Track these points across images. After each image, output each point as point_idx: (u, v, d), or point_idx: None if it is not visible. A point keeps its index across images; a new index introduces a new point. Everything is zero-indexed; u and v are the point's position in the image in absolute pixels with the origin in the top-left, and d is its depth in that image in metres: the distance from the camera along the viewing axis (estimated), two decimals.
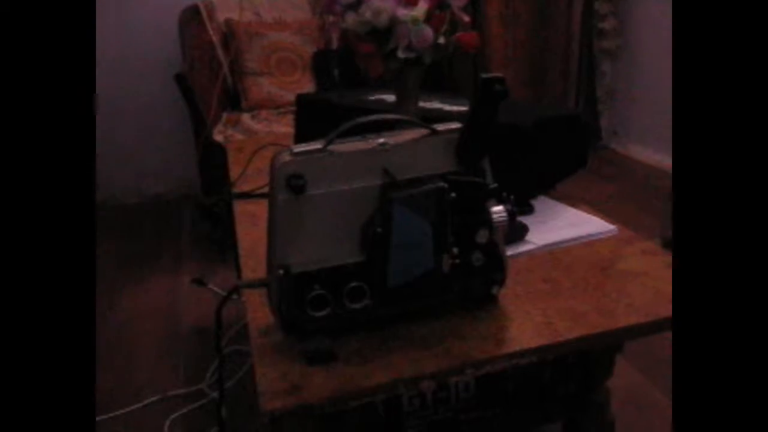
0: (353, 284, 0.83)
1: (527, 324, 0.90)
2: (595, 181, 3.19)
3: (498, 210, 0.86)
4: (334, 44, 3.03)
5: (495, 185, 0.86)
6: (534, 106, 1.46)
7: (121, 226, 3.08)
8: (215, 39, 2.85)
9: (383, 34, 1.26)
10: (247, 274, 1.10)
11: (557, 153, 1.38)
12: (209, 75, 2.71)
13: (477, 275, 0.88)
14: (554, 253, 1.12)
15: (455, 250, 0.85)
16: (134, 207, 3.31)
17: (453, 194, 0.84)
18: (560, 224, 1.23)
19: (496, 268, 0.89)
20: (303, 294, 0.82)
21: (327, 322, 0.83)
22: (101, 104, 3.10)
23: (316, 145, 0.82)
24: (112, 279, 2.55)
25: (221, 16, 2.94)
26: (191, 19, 2.84)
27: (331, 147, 0.83)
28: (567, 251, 1.12)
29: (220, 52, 2.82)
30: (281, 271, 0.82)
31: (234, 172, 1.69)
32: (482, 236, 0.85)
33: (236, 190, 1.55)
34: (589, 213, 1.28)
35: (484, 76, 0.82)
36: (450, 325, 0.89)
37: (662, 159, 3.41)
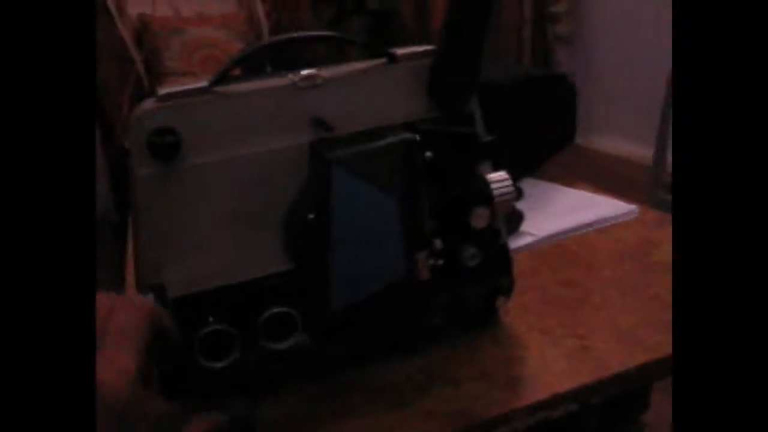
0: (274, 311, 0.50)
1: (554, 351, 0.58)
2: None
3: (500, 177, 0.55)
4: (265, 38, 2.70)
5: (491, 138, 0.55)
6: (511, 64, 1.17)
7: None
8: (126, 35, 2.49)
9: None
10: None
11: (545, 122, 1.08)
12: (119, 75, 2.35)
13: (472, 281, 0.56)
14: (564, 245, 0.81)
15: (437, 242, 0.53)
16: None
17: (428, 153, 0.52)
18: (561, 209, 0.92)
19: (500, 268, 0.57)
20: (189, 332, 0.48)
21: (233, 376, 0.50)
22: None
23: (199, 84, 0.50)
24: None
25: (133, 11, 2.58)
26: (97, 12, 2.47)
27: (221, 88, 0.50)
28: (580, 242, 0.81)
29: (132, 49, 2.46)
30: (150, 295, 0.48)
31: None
32: (480, 218, 0.53)
33: None
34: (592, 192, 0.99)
35: None
36: (434, 362, 0.57)
37: (628, 148, 3.17)
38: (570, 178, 1.06)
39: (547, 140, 1.12)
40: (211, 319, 0.49)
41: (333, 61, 0.55)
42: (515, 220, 0.84)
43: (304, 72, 0.51)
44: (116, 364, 0.38)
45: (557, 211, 0.91)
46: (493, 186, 0.54)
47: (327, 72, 0.52)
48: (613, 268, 0.73)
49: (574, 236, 0.83)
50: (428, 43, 0.56)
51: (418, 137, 0.50)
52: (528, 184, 1.03)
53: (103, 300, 0.40)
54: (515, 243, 0.81)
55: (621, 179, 2.89)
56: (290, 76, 0.52)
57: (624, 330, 0.61)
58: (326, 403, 0.54)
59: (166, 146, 0.47)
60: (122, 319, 0.40)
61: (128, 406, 0.37)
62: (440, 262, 0.54)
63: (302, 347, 0.51)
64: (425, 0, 3.03)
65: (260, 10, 2.74)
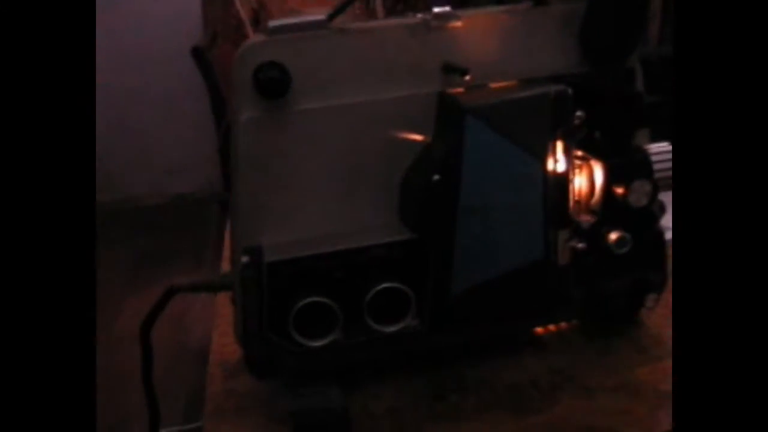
0: (384, 286, 0.42)
1: None
2: None
3: (663, 149, 0.46)
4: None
5: (655, 100, 0.45)
6: None
7: (138, 230, 2.74)
8: (244, 16, 2.50)
9: None
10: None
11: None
12: (233, 53, 2.35)
13: (618, 272, 0.47)
14: None
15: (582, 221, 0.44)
16: (155, 209, 2.96)
17: (579, 112, 0.43)
18: None
19: (652, 260, 0.48)
20: (285, 303, 0.42)
21: (333, 359, 0.43)
22: (114, 94, 2.78)
23: (315, 17, 0.43)
24: (122, 287, 2.21)
25: None
26: None
27: (341, 22, 0.43)
28: None
29: (249, 29, 2.46)
30: (245, 259, 0.42)
31: None
32: (639, 194, 0.44)
33: None
34: None
35: None
36: (565, 365, 0.49)
37: None
38: None
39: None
40: (311, 289, 0.42)
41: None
42: (658, 210, 0.74)
43: (438, 9, 0.44)
44: None
45: None
46: (655, 159, 0.45)
47: (465, 12, 0.44)
48: None
49: None
50: None
51: (570, 91, 0.41)
52: None
53: None
54: None
55: None
56: (421, 15, 0.44)
57: None
58: (435, 402, 0.46)
59: (272, 82, 0.40)
60: None
61: None
62: (582, 245, 0.45)
63: (413, 333, 0.43)
64: None
65: None
